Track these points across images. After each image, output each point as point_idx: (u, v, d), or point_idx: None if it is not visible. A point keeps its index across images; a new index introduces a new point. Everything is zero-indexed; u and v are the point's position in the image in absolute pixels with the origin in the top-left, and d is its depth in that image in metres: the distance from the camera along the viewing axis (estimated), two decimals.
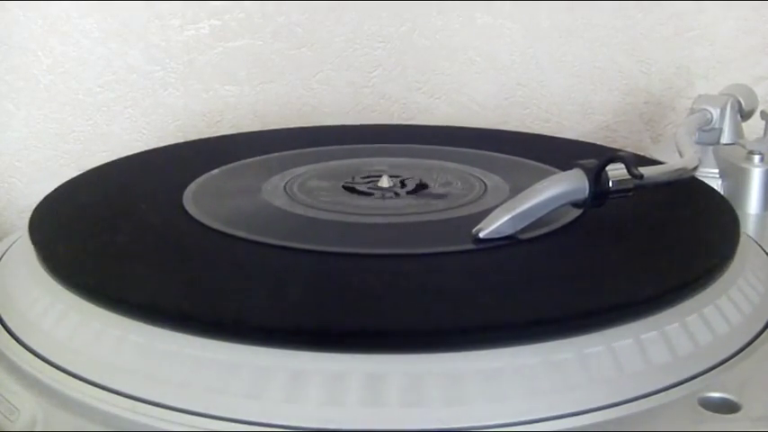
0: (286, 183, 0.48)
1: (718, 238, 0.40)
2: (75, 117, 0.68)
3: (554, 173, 0.41)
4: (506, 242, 0.38)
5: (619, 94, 0.73)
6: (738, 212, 0.43)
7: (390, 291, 0.35)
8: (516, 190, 0.41)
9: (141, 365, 0.31)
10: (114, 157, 0.55)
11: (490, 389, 0.29)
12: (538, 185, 0.39)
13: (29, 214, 0.43)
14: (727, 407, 0.30)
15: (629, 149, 0.52)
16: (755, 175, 0.51)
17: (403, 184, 0.48)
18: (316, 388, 0.29)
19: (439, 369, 0.30)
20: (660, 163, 0.46)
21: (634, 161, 0.38)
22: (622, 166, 0.38)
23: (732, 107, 0.57)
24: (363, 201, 0.45)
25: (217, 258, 0.38)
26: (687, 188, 0.45)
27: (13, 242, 0.44)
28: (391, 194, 0.46)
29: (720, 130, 0.57)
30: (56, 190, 0.47)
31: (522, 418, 0.29)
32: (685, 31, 0.72)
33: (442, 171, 0.50)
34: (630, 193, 0.40)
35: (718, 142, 0.56)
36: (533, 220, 0.39)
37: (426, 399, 0.29)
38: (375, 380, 0.29)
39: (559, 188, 0.39)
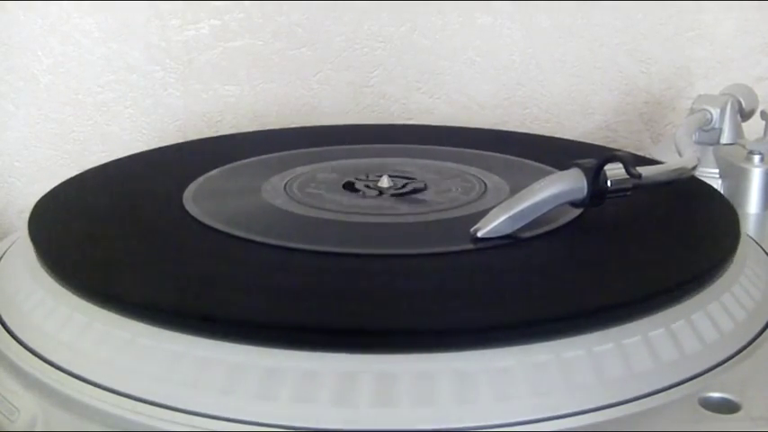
0: (286, 183, 0.48)
1: (719, 238, 0.40)
2: (75, 117, 0.68)
3: (553, 173, 0.41)
4: (504, 241, 0.38)
5: (619, 94, 0.73)
6: (738, 212, 0.43)
7: (389, 291, 0.35)
8: (516, 190, 0.41)
9: (141, 365, 0.31)
10: (114, 157, 0.55)
11: (489, 389, 0.29)
12: (536, 185, 0.39)
13: (29, 214, 0.43)
14: (727, 407, 0.30)
15: (628, 149, 0.52)
16: (755, 175, 0.51)
17: (403, 185, 0.48)
18: (326, 388, 0.29)
19: (431, 368, 0.30)
20: (659, 163, 0.46)
21: (632, 161, 0.38)
22: (621, 165, 0.39)
23: (732, 107, 0.56)
24: (363, 201, 0.45)
25: (216, 258, 0.38)
26: (687, 188, 0.45)
27: (13, 242, 0.44)
28: (391, 194, 0.46)
29: (720, 130, 0.56)
30: (54, 189, 0.47)
31: (522, 418, 0.29)
32: (685, 31, 0.72)
33: (441, 171, 0.50)
34: (629, 193, 0.40)
35: (718, 142, 0.56)
36: (531, 219, 0.39)
37: (416, 397, 0.29)
38: (385, 379, 0.29)
39: (557, 188, 0.39)
